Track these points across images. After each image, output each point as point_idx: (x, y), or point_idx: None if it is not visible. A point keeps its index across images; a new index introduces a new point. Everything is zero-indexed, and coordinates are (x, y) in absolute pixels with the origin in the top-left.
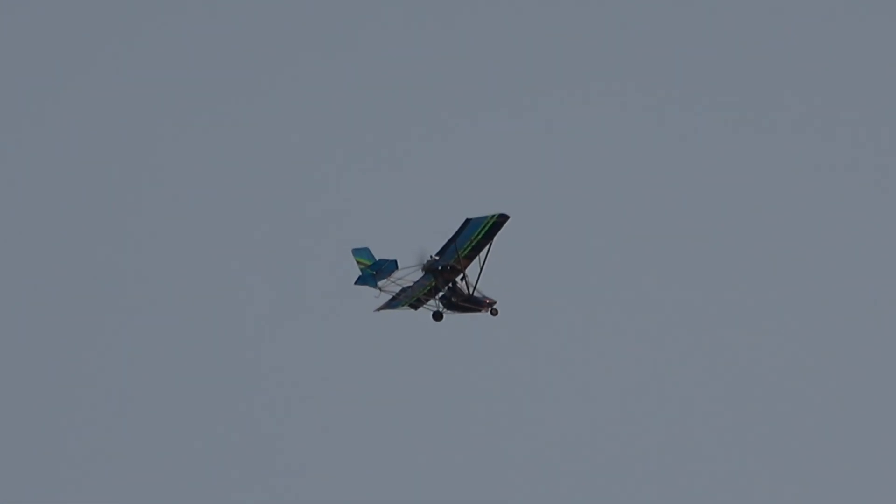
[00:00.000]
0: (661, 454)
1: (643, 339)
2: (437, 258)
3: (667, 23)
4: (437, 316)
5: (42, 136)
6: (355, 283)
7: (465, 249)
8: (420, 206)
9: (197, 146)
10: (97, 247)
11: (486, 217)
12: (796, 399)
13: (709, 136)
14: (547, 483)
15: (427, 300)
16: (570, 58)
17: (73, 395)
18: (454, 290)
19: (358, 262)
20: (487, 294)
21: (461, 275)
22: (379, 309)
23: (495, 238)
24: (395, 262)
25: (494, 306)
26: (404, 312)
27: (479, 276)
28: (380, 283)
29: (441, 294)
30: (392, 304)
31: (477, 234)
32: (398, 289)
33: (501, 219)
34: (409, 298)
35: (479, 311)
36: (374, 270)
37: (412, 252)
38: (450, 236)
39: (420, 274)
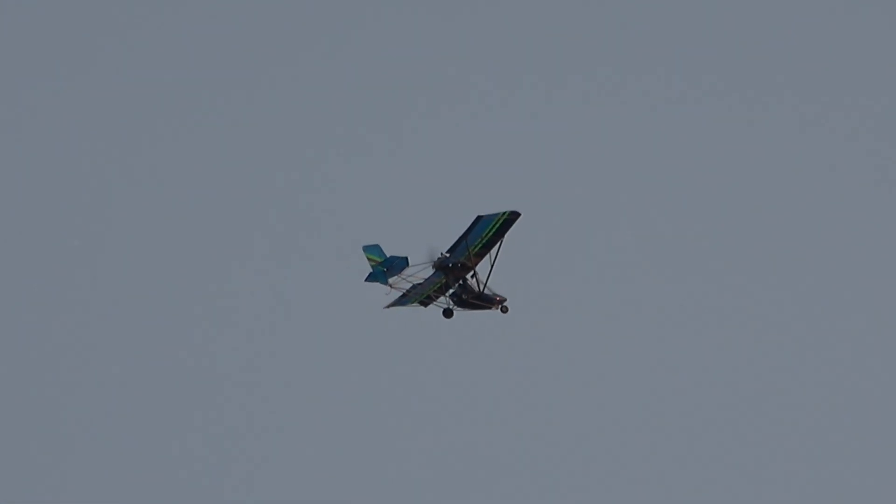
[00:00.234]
0: (673, 453)
1: (654, 337)
2: (447, 255)
3: (679, 16)
4: (448, 313)
5: (33, 135)
6: (366, 279)
7: (475, 247)
8: (431, 203)
9: (207, 144)
10: (108, 247)
11: (497, 214)
12: (815, 401)
13: (720, 134)
14: (557, 481)
15: (437, 297)
16: (585, 54)
17: (94, 396)
18: (465, 287)
19: (369, 259)
20: (498, 291)
21: (472, 272)
22: (389, 306)
23: (506, 235)
24: (406, 259)
25: (505, 304)
26: (414, 309)
27: (489, 273)
28: (390, 280)
29: (451, 291)
30: (402, 301)
31: (488, 232)
32: (409, 286)
33: (512, 216)
34: (420, 295)
35: (490, 308)
36: (384, 267)
37: (423, 249)
38: (461, 233)
39: (431, 271)
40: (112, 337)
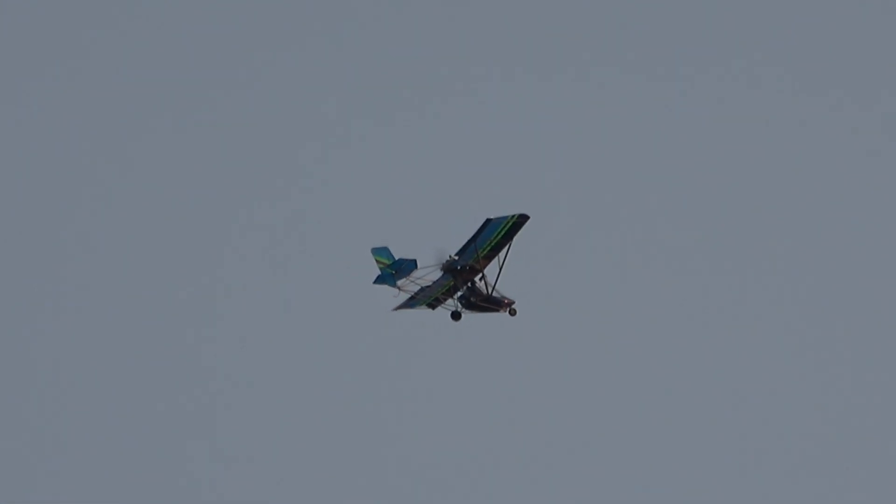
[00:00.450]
0: (684, 454)
1: (663, 340)
2: (456, 258)
3: (697, 15)
4: (456, 316)
5: (26, 134)
6: (374, 282)
7: (484, 249)
8: (440, 205)
9: (214, 147)
10: (117, 251)
11: (506, 217)
12: (833, 403)
13: (735, 138)
14: (565, 483)
15: (445, 300)
16: (597, 58)
17: (104, 400)
18: (473, 290)
19: (377, 262)
20: (506, 294)
21: (480, 275)
22: (396, 308)
23: (515, 238)
24: (415, 261)
25: (513, 306)
26: (423, 312)
27: (498, 276)
28: (399, 283)
29: (460, 294)
30: (410, 303)
31: (497, 235)
32: (417, 288)
33: (521, 219)
34: (427, 298)
35: (498, 311)
36: (393, 270)
37: (432, 252)
38: (470, 236)
39: (439, 274)
40: (119, 340)
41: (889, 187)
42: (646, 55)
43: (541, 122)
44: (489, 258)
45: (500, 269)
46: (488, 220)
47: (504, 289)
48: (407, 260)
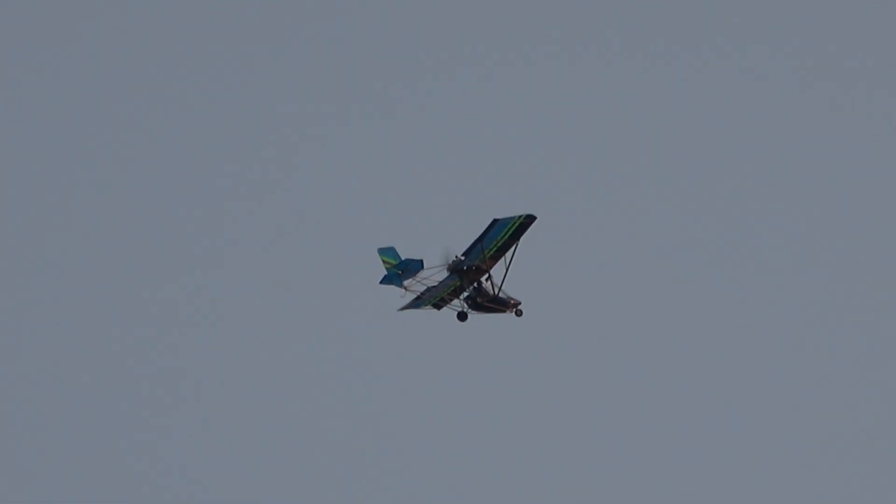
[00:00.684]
0: (690, 455)
1: (670, 341)
2: (462, 258)
3: (707, 12)
4: (462, 316)
5: (21, 134)
6: (380, 282)
7: (491, 250)
8: (447, 206)
9: (220, 146)
10: (118, 250)
11: (513, 217)
12: (832, 403)
13: (744, 138)
14: (570, 484)
15: (451, 300)
16: (603, 58)
17: (107, 400)
18: (479, 290)
19: (384, 262)
20: (512, 295)
21: (486, 275)
22: (402, 308)
23: (521, 239)
24: (421, 261)
25: (519, 307)
26: (429, 313)
27: (504, 276)
28: (405, 283)
29: (466, 294)
30: (416, 303)
31: (503, 235)
32: (423, 288)
33: (528, 220)
34: (433, 298)
35: (504, 311)
36: (399, 270)
37: (438, 252)
38: (477, 236)
39: (445, 274)
40: (123, 339)
41: (889, 188)
42: (657, 55)
43: (548, 122)
44: (496, 258)
45: (507, 269)
46: (495, 221)
47: (510, 289)
48: (413, 260)
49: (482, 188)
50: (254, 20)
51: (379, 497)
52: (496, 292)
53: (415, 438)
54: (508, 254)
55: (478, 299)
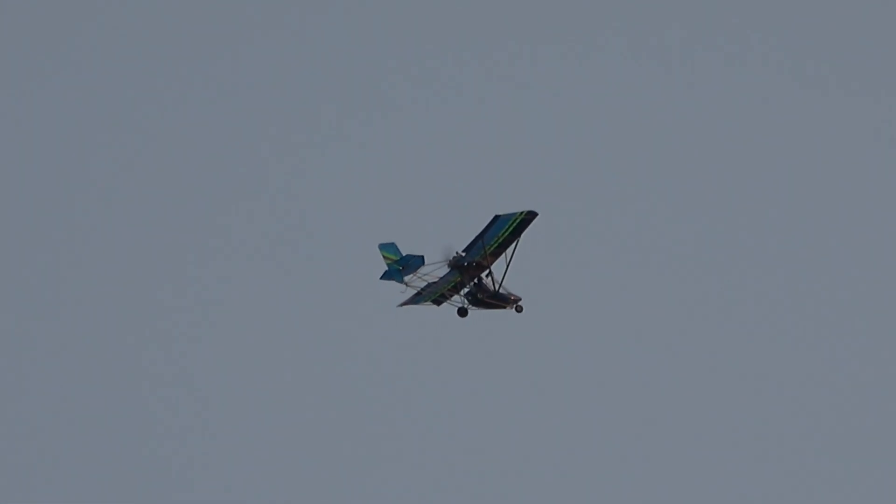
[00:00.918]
0: (688, 451)
1: (670, 338)
2: (463, 254)
3: (703, 10)
4: (462, 312)
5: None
6: (381, 277)
7: (491, 246)
8: (449, 201)
9: (221, 141)
10: (119, 245)
11: (514, 214)
12: (832, 403)
13: (742, 134)
14: (570, 481)
15: (451, 296)
16: (604, 53)
17: (105, 399)
18: (480, 286)
19: (385, 258)
20: (513, 291)
21: (487, 271)
22: (402, 304)
23: (523, 235)
24: (422, 257)
25: (519, 303)
26: (429, 308)
27: (504, 272)
28: (406, 279)
29: (466, 290)
30: (415, 299)
31: (505, 231)
32: (424, 284)
33: (530, 216)
34: (433, 294)
35: (504, 307)
36: (400, 266)
37: (439, 248)
38: (478, 232)
39: (446, 270)
40: (122, 335)
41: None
42: (657, 50)
43: (550, 118)
44: (496, 255)
45: (508, 265)
46: (497, 217)
47: (511, 286)
48: (414, 256)
49: (484, 184)
50: (253, 19)
51: (379, 492)
52: (497, 288)
53: (415, 434)
54: (509, 250)
55: (478, 295)
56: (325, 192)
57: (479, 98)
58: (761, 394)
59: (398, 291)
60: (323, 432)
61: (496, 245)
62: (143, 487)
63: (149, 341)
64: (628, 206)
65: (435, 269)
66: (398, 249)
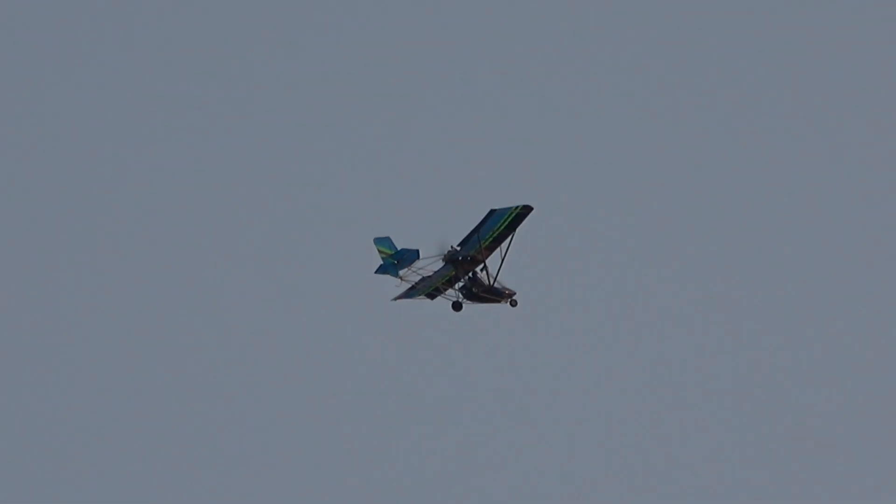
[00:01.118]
0: (682, 447)
1: (664, 333)
2: (458, 248)
3: (699, 12)
4: (457, 306)
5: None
6: (376, 272)
7: (487, 240)
8: (444, 196)
9: (220, 138)
10: (120, 245)
11: (510, 208)
12: (831, 402)
13: (738, 131)
14: (563, 476)
15: (446, 290)
16: (601, 48)
17: (104, 398)
18: (475, 280)
19: (379, 252)
20: (507, 285)
21: (482, 265)
22: (397, 298)
23: (518, 229)
24: (417, 251)
25: (514, 297)
26: (424, 302)
27: (499, 267)
28: (401, 273)
29: (461, 284)
30: (410, 293)
31: (500, 225)
32: (418, 278)
33: (525, 210)
34: (427, 288)
35: (499, 301)
36: (395, 260)
37: (434, 242)
38: (474, 226)
39: (441, 264)
40: (122, 333)
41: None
42: (650, 48)
43: (545, 113)
44: (491, 249)
45: (503, 259)
46: (492, 211)
47: (506, 280)
48: (409, 250)
49: (479, 178)
50: (253, 18)
51: (373, 486)
52: (491, 282)
53: (408, 428)
54: (504, 244)
55: (473, 289)
56: (320, 186)
57: (475, 92)
58: (756, 390)
59: (393, 285)
60: (318, 425)
61: (491, 239)
62: (142, 487)
63: (144, 336)
64: (623, 201)
65: (430, 263)
66: (393, 243)
